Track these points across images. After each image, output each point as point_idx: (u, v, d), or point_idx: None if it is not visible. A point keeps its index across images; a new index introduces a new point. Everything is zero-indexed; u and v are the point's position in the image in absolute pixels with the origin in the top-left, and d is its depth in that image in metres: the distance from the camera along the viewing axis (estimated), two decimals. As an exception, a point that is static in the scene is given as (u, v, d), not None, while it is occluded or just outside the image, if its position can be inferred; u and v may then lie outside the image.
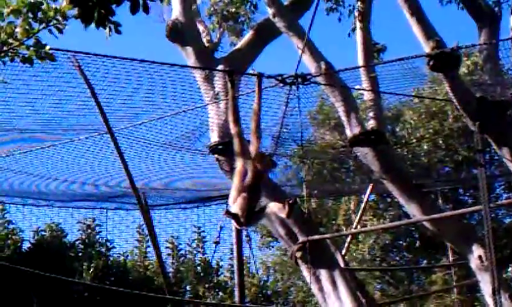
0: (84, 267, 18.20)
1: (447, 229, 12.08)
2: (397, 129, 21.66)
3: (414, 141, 21.04)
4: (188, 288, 21.07)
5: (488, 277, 10.04)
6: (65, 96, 11.37)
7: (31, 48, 7.32)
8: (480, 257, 11.08)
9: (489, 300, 10.59)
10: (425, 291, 22.43)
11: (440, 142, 21.04)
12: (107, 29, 7.37)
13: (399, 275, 23.71)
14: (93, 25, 7.28)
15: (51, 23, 7.19)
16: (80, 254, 19.30)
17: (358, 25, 12.86)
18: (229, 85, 8.34)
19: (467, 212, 13.82)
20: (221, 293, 21.41)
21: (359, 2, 12.88)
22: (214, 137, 12.16)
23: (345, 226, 22.55)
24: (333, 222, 23.63)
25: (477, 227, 15.97)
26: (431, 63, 10.28)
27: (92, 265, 18.36)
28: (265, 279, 24.19)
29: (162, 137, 12.92)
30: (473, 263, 11.32)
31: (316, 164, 18.78)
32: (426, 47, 10.49)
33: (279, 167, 15.64)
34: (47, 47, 7.34)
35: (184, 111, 11.96)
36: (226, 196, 16.35)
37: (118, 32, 7.40)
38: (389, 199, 21.88)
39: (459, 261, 15.99)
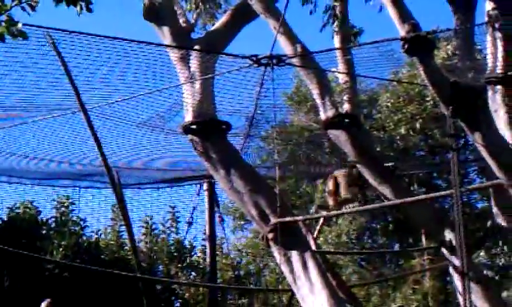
0: (54, 244, 18.11)
1: (419, 213, 12.15)
2: (374, 112, 21.68)
3: (390, 124, 21.06)
4: (161, 267, 21.05)
5: (458, 261, 10.08)
6: (38, 73, 11.28)
7: (3, 25, 7.24)
8: (450, 241, 11.15)
9: (458, 284, 10.66)
10: (398, 275, 22.53)
11: (417, 126, 21.06)
12: (78, 7, 7.31)
13: (371, 259, 23.79)
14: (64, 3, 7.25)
15: (24, 0, 7.12)
16: (52, 232, 19.18)
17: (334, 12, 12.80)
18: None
19: (439, 196, 13.82)
20: (193, 273, 21.44)
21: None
22: (188, 117, 12.09)
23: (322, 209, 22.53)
24: (308, 204, 23.64)
25: (449, 211, 16.04)
26: (406, 46, 10.27)
27: (63, 243, 18.27)
28: (239, 260, 24.25)
29: (136, 116, 12.87)
30: (444, 247, 11.39)
31: (291, 145, 18.75)
32: (401, 31, 10.47)
33: (253, 148, 15.66)
34: (19, 24, 7.26)
35: (158, 90, 11.90)
36: (199, 177, 16.44)
37: (89, 10, 7.34)
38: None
39: (431, 246, 16.05)
